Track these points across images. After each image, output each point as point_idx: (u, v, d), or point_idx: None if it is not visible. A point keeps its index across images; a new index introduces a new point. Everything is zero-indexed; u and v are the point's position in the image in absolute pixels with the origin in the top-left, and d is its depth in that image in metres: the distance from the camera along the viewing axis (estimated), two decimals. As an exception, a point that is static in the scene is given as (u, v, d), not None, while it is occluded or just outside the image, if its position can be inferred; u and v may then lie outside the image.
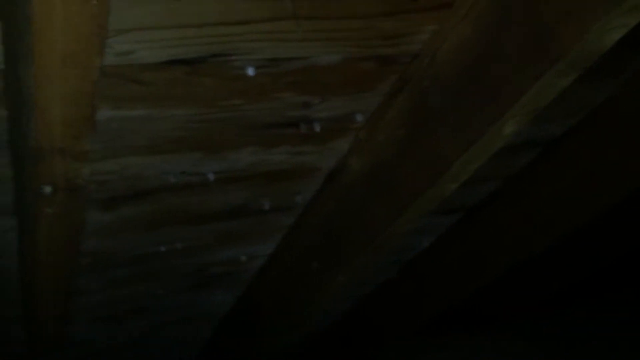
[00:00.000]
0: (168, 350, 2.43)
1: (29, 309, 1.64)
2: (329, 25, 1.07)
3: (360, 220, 1.48)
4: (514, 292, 2.95)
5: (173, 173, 1.33)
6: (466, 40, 1.08)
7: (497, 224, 2.08)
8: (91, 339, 2.08)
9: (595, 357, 2.57)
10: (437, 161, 1.20)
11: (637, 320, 2.85)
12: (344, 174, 1.52)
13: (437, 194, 1.26)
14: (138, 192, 1.36)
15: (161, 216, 1.50)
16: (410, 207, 1.28)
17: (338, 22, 1.08)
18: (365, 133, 1.39)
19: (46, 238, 1.08)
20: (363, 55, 1.16)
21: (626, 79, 1.09)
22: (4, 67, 1.00)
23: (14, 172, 1.22)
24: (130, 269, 1.72)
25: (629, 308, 3.00)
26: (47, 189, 0.87)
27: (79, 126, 0.95)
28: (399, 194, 1.33)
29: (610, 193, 1.96)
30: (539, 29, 0.91)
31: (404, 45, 1.16)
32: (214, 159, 1.34)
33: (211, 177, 1.39)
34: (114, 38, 0.92)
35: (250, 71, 1.07)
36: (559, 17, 0.87)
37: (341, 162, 1.50)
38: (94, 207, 1.35)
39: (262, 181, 1.50)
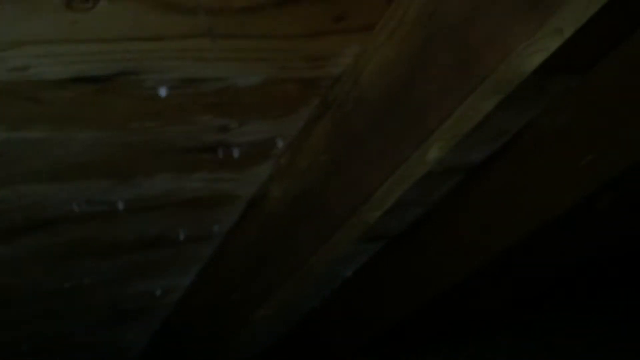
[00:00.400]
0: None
1: None
2: (248, 45, 1.02)
3: (284, 249, 1.42)
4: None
5: (77, 202, 1.22)
6: (390, 63, 1.05)
7: (416, 253, 2.07)
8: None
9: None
10: (360, 188, 1.16)
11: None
12: (265, 202, 1.45)
13: (360, 222, 1.21)
14: (38, 223, 1.24)
15: (65, 249, 1.38)
16: (334, 236, 1.23)
17: (258, 42, 1.02)
18: (287, 159, 1.34)
19: None
20: (284, 77, 1.11)
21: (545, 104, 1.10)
22: None
23: None
24: (35, 306, 1.57)
25: (622, 305, 2.96)
26: None
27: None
28: (322, 221, 1.28)
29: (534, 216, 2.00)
30: (463, 51, 0.89)
31: (327, 67, 1.12)
32: (124, 186, 1.24)
33: (121, 205, 1.29)
34: (5, 52, 0.83)
35: (163, 91, 1.00)
36: (484, 40, 0.85)
37: (262, 189, 1.44)
38: (-14, 239, 1.22)
39: (178, 210, 1.41)
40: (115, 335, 1.96)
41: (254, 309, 1.55)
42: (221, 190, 1.40)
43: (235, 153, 1.26)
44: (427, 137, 1.02)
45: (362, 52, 1.10)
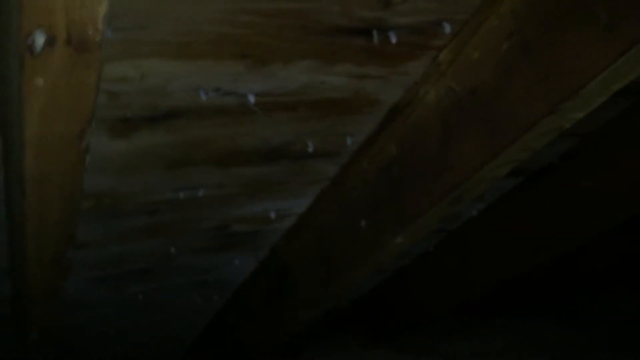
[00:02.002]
0: (172, 319, 2.15)
1: (16, 261, 1.34)
2: None
3: (433, 166, 1.19)
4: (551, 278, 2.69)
5: (205, 89, 1.03)
6: None
7: (566, 194, 1.78)
8: (86, 302, 1.79)
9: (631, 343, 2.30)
10: (560, 78, 0.90)
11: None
12: (411, 109, 1.22)
13: (553, 126, 0.96)
14: (159, 113, 1.06)
15: (184, 151, 1.20)
16: (515, 142, 0.98)
17: None
18: (450, 52, 1.09)
19: (35, 132, 0.71)
20: None
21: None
22: None
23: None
24: (140, 219, 1.43)
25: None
26: (39, 39, 0.54)
27: None
28: (493, 131, 1.04)
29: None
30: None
31: None
32: (259, 74, 1.04)
33: (251, 99, 1.09)
34: None
35: None
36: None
37: (410, 92, 1.20)
38: (102, 129, 1.05)
39: (311, 112, 1.20)
40: (220, 262, 1.81)
41: (386, 236, 1.34)
42: (363, 90, 1.17)
43: (392, 38, 1.03)
44: None
45: None
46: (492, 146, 1.02)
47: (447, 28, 1.04)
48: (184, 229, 1.55)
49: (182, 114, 1.08)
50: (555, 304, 2.79)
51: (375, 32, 1.01)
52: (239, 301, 2.08)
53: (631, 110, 1.53)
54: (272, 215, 1.59)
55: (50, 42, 0.56)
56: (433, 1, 0.99)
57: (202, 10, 0.86)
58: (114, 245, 1.51)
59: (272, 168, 1.38)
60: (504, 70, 0.99)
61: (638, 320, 2.58)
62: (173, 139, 1.15)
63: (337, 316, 2.64)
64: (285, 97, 1.13)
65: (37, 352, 1.65)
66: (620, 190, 1.62)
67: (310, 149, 1.31)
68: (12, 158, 0.95)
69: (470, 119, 1.07)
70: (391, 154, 1.30)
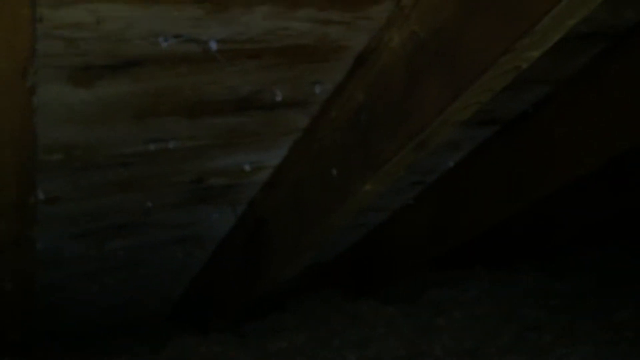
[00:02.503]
0: (156, 275, 2.17)
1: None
2: None
3: (399, 111, 1.19)
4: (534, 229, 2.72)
5: (165, 35, 1.02)
6: None
7: (540, 142, 1.79)
8: (64, 260, 1.80)
9: (621, 293, 2.35)
10: (518, 17, 0.90)
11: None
12: (378, 54, 1.22)
13: (511, 66, 0.96)
14: (119, 61, 1.06)
15: (149, 101, 1.20)
16: (475, 83, 0.98)
17: None
18: (412, -5, 1.08)
19: None
20: None
21: None
22: None
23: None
24: (112, 172, 1.43)
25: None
26: None
27: None
28: (455, 71, 1.04)
29: None
30: None
31: None
32: (220, 19, 1.03)
33: (213, 46, 1.08)
34: None
35: None
36: None
37: (376, 38, 1.20)
38: (62, 77, 1.05)
39: (277, 60, 1.20)
40: (199, 216, 1.83)
41: (356, 183, 1.35)
42: (328, 37, 1.17)
43: (353, -20, 1.02)
44: None
45: None
46: (453, 88, 1.03)
47: (409, -31, 1.03)
48: (159, 182, 1.56)
49: (144, 62, 1.08)
50: (537, 255, 2.84)
51: (335, -26, 1.01)
52: (220, 256, 2.11)
53: (601, 55, 1.53)
54: (247, 167, 1.60)
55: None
56: (391, -59, 0.98)
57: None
58: (88, 200, 1.52)
59: (243, 118, 1.38)
60: (464, 10, 0.98)
61: (620, 268, 2.62)
62: (137, 88, 1.14)
63: (322, 271, 2.69)
64: (249, 44, 1.13)
65: (16, 306, 1.67)
66: (592, 136, 1.63)
67: (279, 98, 1.31)
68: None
69: (433, 62, 1.07)
70: (359, 102, 1.30)
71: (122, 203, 1.60)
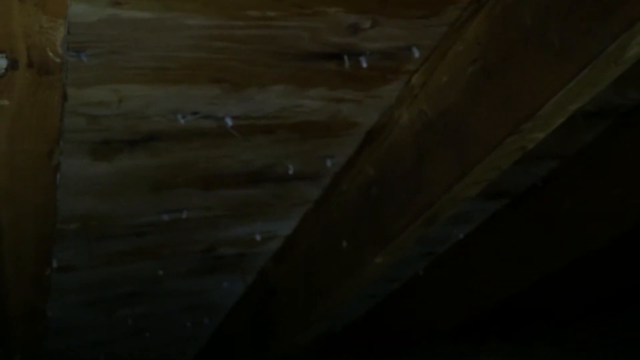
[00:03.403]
0: (164, 344, 2.16)
1: None
2: None
3: (408, 186, 1.22)
4: (549, 301, 2.69)
5: (182, 112, 1.07)
6: None
7: (550, 215, 1.81)
8: (74, 327, 1.80)
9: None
10: (521, 102, 0.94)
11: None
12: (387, 131, 1.26)
13: (516, 146, 0.99)
14: (139, 137, 1.10)
15: (166, 173, 1.24)
16: (474, 168, 1.01)
17: None
18: (421, 76, 1.13)
19: (5, 151, 0.73)
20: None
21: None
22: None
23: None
24: (125, 241, 1.46)
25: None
26: (2, 63, 0.58)
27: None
28: (461, 150, 1.07)
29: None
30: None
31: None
32: (236, 98, 1.08)
33: (229, 122, 1.12)
34: None
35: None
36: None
37: (386, 115, 1.24)
38: (84, 152, 1.09)
39: (290, 135, 1.24)
40: (209, 285, 1.84)
41: (366, 256, 1.36)
42: (340, 113, 1.21)
43: (363, 62, 1.07)
44: (629, 26, 0.79)
45: None
46: (461, 166, 1.05)
47: (417, 53, 1.08)
48: (171, 251, 1.58)
49: (162, 137, 1.12)
50: (548, 328, 2.80)
51: (346, 57, 1.06)
52: (230, 325, 2.10)
53: (607, 131, 1.57)
54: (258, 237, 1.62)
55: (12, 65, 0.60)
56: (401, 28, 1.03)
57: (176, 36, 0.90)
58: (100, 268, 1.54)
59: (255, 191, 1.41)
60: (469, 94, 1.02)
61: (630, 340, 2.57)
62: (155, 162, 1.18)
63: (332, 342, 2.65)
64: (264, 120, 1.17)
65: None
66: (601, 210, 1.65)
67: (291, 172, 1.35)
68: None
69: (441, 141, 1.10)
70: (369, 176, 1.33)
71: (134, 272, 1.62)
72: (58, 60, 0.61)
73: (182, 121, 1.08)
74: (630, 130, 1.55)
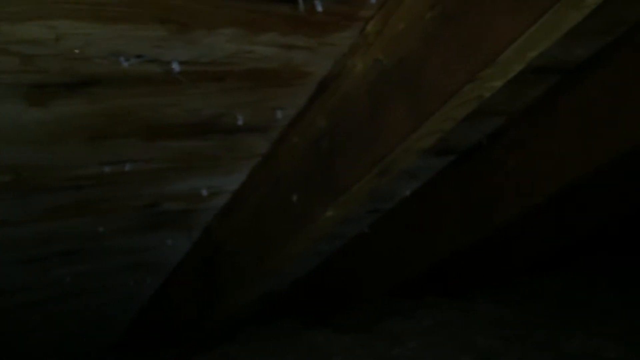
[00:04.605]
0: (104, 304, 2.10)
1: None
2: None
3: (362, 138, 1.19)
4: (490, 258, 2.76)
5: (126, 55, 1.00)
6: None
7: (493, 173, 1.83)
8: (6, 287, 1.72)
9: (572, 322, 2.39)
10: (479, 49, 0.92)
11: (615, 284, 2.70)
12: (340, 81, 1.22)
13: (473, 96, 0.98)
14: (77, 80, 1.02)
15: (107, 121, 1.17)
16: (438, 111, 0.99)
17: None
18: (377, 23, 1.09)
19: None
20: None
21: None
22: None
23: None
24: (63, 195, 1.38)
25: (606, 274, 2.86)
26: None
27: None
28: (417, 99, 1.05)
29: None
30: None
31: None
32: (183, 40, 1.01)
33: (176, 67, 1.06)
34: None
35: None
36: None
37: (339, 64, 1.20)
38: (17, 96, 1.01)
39: (239, 84, 1.19)
40: (153, 242, 1.78)
41: (317, 210, 1.34)
42: (292, 61, 1.16)
43: (318, 6, 1.02)
44: None
45: None
46: (417, 116, 1.03)
47: (373, -1, 1.04)
48: (112, 206, 1.51)
49: (103, 81, 1.04)
50: (491, 284, 2.87)
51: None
52: (174, 284, 2.05)
53: (554, 89, 1.58)
54: (204, 192, 1.57)
55: None
56: (358, -30, 0.99)
57: (118, -32, 0.83)
58: (35, 224, 1.46)
59: (202, 142, 1.36)
60: (427, 41, 1.00)
61: (572, 298, 2.67)
62: (95, 109, 1.11)
63: (277, 301, 2.64)
64: (212, 66, 1.11)
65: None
66: (544, 166, 1.67)
67: (240, 122, 1.30)
68: None
69: (397, 90, 1.08)
70: (321, 128, 1.30)
71: (72, 228, 1.54)
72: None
73: (125, 64, 1.01)
74: (574, 90, 1.57)
